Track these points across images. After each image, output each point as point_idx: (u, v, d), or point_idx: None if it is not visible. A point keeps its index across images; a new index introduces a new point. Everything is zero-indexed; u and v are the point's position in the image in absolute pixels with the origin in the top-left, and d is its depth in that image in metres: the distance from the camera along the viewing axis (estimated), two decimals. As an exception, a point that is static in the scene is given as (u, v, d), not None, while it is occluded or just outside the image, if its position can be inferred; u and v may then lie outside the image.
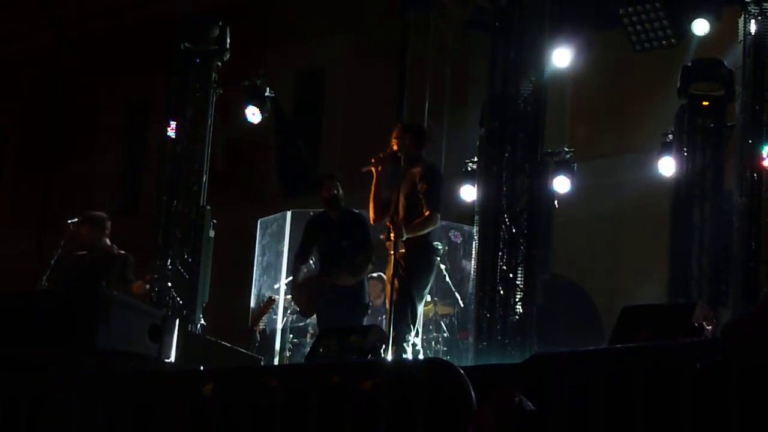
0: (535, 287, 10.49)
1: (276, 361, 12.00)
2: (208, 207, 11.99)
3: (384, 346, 8.40)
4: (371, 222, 9.81)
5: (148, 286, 10.94)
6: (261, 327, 11.78)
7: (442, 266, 11.62)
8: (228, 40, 12.06)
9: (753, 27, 10.52)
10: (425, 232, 9.18)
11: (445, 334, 11.85)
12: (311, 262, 10.48)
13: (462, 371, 6.69)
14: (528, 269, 10.49)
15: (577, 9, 11.62)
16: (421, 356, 9.36)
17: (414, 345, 9.18)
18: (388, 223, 9.18)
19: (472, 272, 11.14)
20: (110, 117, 19.02)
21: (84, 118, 18.71)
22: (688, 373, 6.23)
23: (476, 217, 10.77)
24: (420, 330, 9.50)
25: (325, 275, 10.04)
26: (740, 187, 10.60)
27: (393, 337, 8.67)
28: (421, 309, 9.36)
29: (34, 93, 19.16)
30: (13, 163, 20.02)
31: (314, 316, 10.50)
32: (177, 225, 11.95)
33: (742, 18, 10.60)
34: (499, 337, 10.26)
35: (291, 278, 10.90)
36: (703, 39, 11.46)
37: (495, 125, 10.77)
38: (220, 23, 12.09)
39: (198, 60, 12.13)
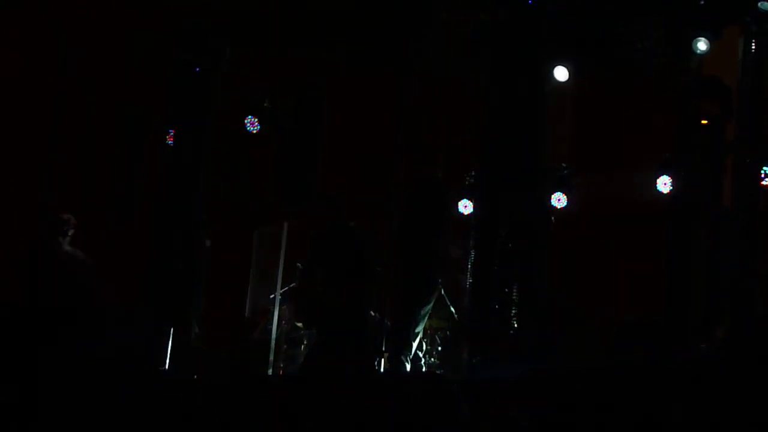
0: (530, 302, 10.48)
1: (270, 372, 11.98)
2: (205, 217, 11.98)
3: (379, 359, 8.40)
4: None
5: None
6: (256, 337, 11.77)
7: (439, 280, 11.63)
8: (228, 51, 12.08)
9: (753, 46, 10.56)
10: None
11: (440, 348, 11.83)
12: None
13: (456, 386, 6.69)
14: (524, 284, 10.48)
15: (577, 25, 11.65)
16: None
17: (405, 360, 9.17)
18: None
19: (468, 286, 11.14)
20: (107, 126, 18.98)
21: (80, 127, 18.67)
22: (685, 389, 6.24)
23: (473, 232, 10.76)
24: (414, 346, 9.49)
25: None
26: (738, 205, 10.63)
27: (391, 352, 8.66)
28: (421, 326, 9.32)
29: (29, 101, 19.13)
30: (3, 170, 19.96)
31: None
32: (174, 235, 11.94)
33: (743, 37, 10.63)
34: (494, 353, 10.24)
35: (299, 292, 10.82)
36: (702, 56, 11.48)
37: (494, 140, 10.79)
38: (220, 35, 12.11)
39: (197, 71, 12.14)
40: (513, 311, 10.40)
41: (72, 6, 18.40)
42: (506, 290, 10.43)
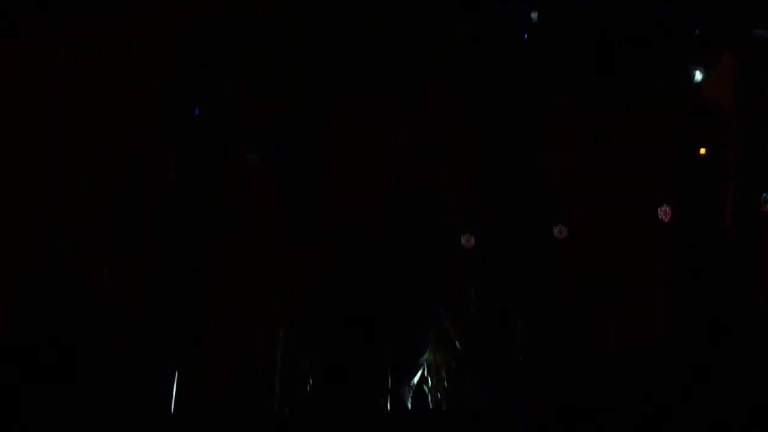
0: (535, 330, 10.54)
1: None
2: (209, 257, 12.02)
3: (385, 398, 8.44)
4: None
5: None
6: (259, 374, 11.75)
7: (440, 311, 11.65)
8: (228, 90, 12.14)
9: (750, 74, 10.64)
10: None
11: (446, 383, 11.83)
12: None
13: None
14: (529, 312, 10.54)
15: (575, 55, 11.72)
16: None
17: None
18: None
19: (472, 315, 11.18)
20: (107, 166, 18.95)
21: (79, 169, 18.61)
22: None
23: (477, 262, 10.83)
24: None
25: None
26: (739, 231, 10.70)
27: (395, 383, 8.71)
28: (423, 358, 9.37)
29: (27, 140, 19.10)
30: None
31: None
32: (176, 277, 11.98)
33: (740, 65, 10.71)
34: (500, 380, 10.28)
35: None
36: (701, 83, 11.53)
37: (494, 170, 10.85)
38: (220, 72, 12.17)
39: (198, 108, 12.19)
40: (519, 339, 10.45)
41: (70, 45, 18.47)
42: (513, 318, 10.50)
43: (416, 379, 9.26)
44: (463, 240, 12.95)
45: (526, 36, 11.04)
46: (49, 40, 18.39)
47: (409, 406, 8.97)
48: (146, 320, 11.81)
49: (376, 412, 8.28)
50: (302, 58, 16.34)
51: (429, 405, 10.55)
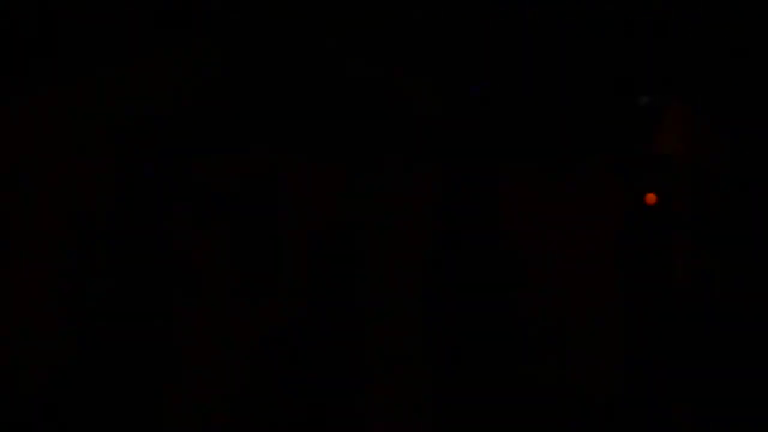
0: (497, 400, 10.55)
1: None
2: (165, 318, 12.00)
3: None
4: None
5: None
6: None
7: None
8: (182, 148, 12.18)
9: (697, 124, 10.78)
10: None
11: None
12: None
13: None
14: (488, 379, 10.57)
15: (525, 114, 11.82)
16: None
17: None
18: None
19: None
20: (56, 229, 18.98)
21: (28, 234, 18.62)
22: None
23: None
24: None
25: None
26: (687, 284, 10.79)
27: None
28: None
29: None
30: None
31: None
32: (132, 340, 11.95)
33: (687, 115, 10.85)
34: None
35: None
36: (651, 134, 11.65)
37: (449, 233, 10.91)
38: (173, 131, 12.21)
39: (149, 168, 12.23)
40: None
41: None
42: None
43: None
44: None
45: (476, 90, 11.13)
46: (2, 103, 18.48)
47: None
48: (101, 387, 11.75)
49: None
50: (257, 117, 16.44)
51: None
